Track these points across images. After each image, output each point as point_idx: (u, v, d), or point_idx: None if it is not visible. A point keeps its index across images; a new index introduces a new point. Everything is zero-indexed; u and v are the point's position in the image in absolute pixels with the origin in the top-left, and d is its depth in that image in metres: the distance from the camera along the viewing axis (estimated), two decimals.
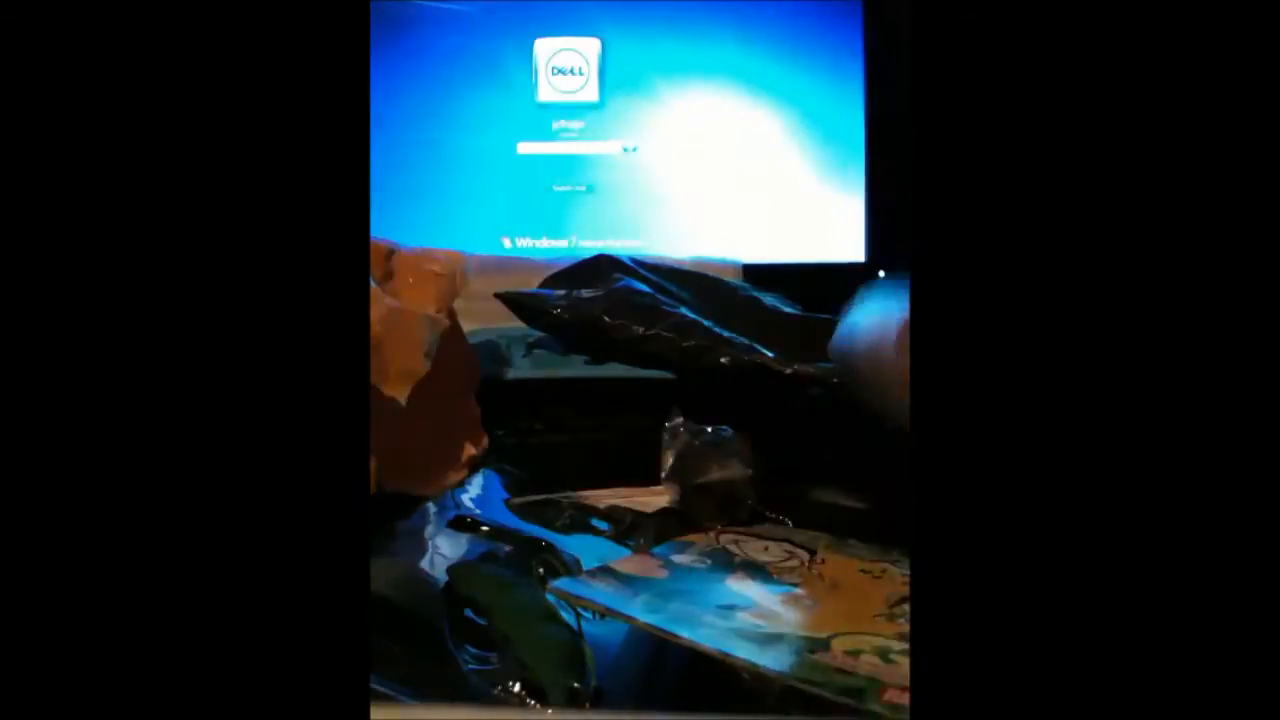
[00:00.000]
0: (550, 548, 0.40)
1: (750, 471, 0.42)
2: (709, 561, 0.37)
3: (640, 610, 0.31)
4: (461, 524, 0.44)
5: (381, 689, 0.29)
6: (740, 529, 0.42)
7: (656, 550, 0.38)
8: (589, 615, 0.33)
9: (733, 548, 0.39)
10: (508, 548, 0.40)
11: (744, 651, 0.29)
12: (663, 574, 0.35)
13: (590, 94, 0.75)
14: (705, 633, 0.30)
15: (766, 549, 0.40)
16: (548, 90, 0.75)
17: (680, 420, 0.43)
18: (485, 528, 0.43)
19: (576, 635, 0.32)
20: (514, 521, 0.44)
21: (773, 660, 0.28)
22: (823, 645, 0.30)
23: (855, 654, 0.29)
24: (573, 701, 0.29)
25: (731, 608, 0.33)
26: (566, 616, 0.33)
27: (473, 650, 0.32)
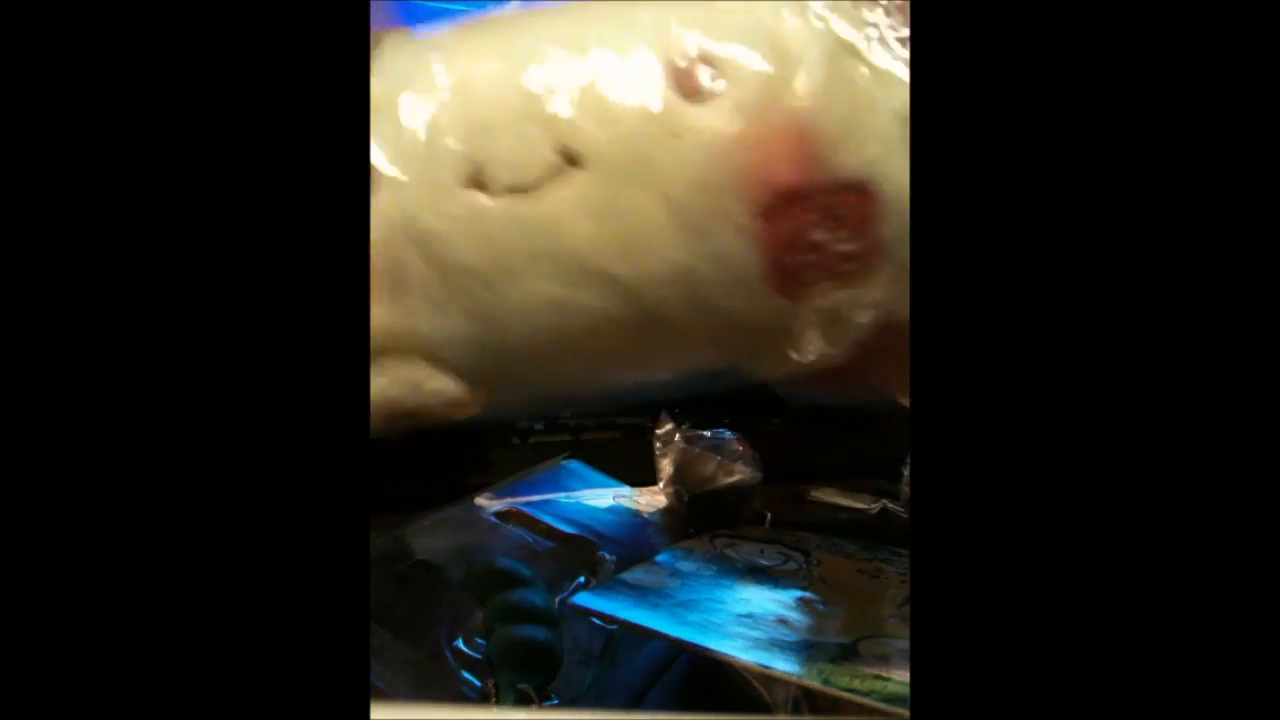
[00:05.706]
0: (592, 548, 0.39)
1: (761, 475, 0.42)
2: (714, 568, 0.38)
3: (667, 624, 0.32)
4: (508, 516, 0.43)
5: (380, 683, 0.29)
6: (729, 532, 0.42)
7: (660, 559, 0.38)
8: (614, 628, 0.32)
9: (731, 552, 0.40)
10: (548, 543, 0.40)
11: (783, 664, 0.29)
12: (674, 584, 0.35)
13: None
14: (738, 644, 0.30)
15: (762, 552, 0.40)
16: None
17: (671, 426, 0.43)
18: (529, 521, 0.42)
19: (551, 637, 0.32)
20: (562, 516, 0.43)
21: (814, 673, 0.28)
22: (851, 650, 0.30)
23: (884, 658, 0.30)
24: (521, 703, 0.29)
25: (752, 616, 0.33)
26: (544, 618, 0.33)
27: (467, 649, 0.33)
